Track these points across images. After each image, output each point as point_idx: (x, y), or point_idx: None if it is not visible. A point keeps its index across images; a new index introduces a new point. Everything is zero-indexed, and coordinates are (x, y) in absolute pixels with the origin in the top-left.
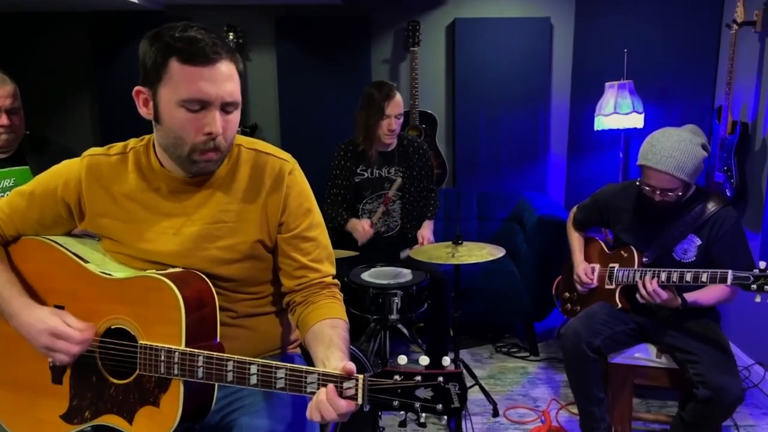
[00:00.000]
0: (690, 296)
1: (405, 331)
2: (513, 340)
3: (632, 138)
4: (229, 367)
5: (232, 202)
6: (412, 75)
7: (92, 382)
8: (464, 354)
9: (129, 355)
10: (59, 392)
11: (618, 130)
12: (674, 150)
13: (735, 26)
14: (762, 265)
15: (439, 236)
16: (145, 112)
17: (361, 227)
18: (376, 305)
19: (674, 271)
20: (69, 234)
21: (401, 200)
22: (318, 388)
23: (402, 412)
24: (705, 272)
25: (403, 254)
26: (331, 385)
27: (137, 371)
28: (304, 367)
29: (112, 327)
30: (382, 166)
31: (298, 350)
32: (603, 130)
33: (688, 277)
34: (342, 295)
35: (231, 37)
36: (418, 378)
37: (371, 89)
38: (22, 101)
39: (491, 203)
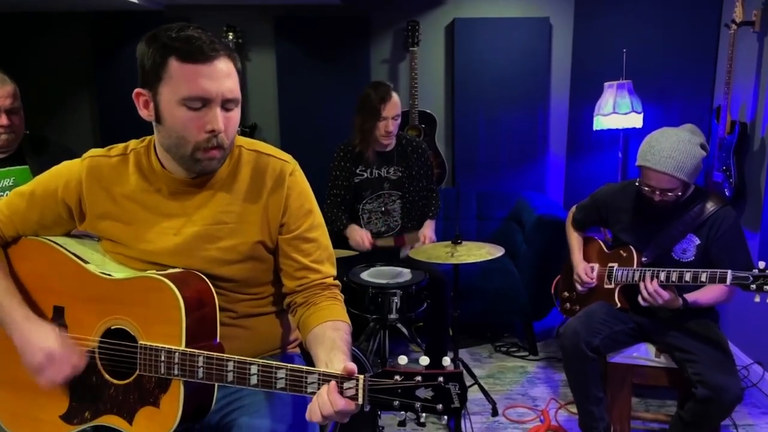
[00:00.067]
0: (690, 296)
1: (404, 330)
2: (512, 340)
3: (631, 138)
4: (230, 368)
5: (233, 203)
6: (411, 75)
7: (92, 382)
8: (463, 353)
9: (129, 355)
10: (59, 393)
11: (617, 129)
12: (673, 150)
13: (734, 26)
14: (761, 264)
15: (438, 236)
16: (145, 114)
17: (359, 237)
18: (376, 305)
19: (673, 271)
20: (68, 234)
21: (401, 200)
22: (318, 388)
23: (402, 412)
24: (704, 272)
25: (403, 253)
26: (333, 382)
27: (137, 371)
28: (304, 367)
29: (112, 327)
30: (381, 166)
31: (298, 350)
32: (602, 130)
33: (688, 276)
34: (342, 295)
35: (231, 37)
36: (419, 378)
37: (368, 90)
38: (22, 101)
39: (490, 203)
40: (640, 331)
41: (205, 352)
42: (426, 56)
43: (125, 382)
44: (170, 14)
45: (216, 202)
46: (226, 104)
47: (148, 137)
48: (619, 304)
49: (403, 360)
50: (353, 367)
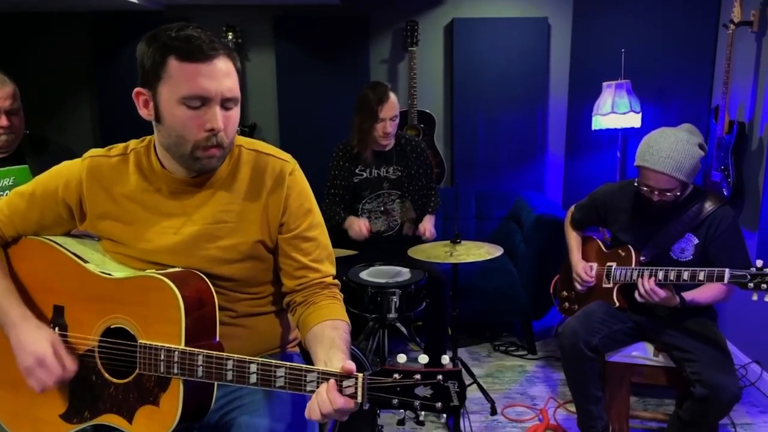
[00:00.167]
0: (687, 295)
1: (403, 329)
2: (511, 339)
3: (630, 137)
4: (229, 366)
5: (233, 203)
6: (410, 75)
7: (92, 381)
8: (462, 352)
9: (129, 354)
10: (59, 392)
11: (615, 129)
12: (672, 150)
13: (732, 26)
14: (759, 263)
15: (437, 235)
16: (145, 113)
17: (358, 226)
18: (375, 304)
19: (671, 270)
20: (68, 234)
21: (401, 199)
22: (317, 387)
23: (401, 411)
24: (702, 271)
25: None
26: (332, 381)
27: (137, 370)
28: (303, 366)
29: (112, 326)
30: (380, 166)
31: (297, 349)
32: (600, 130)
33: (686, 275)
34: (342, 294)
35: (230, 37)
36: (418, 376)
37: (366, 91)
38: (22, 101)
39: (489, 202)
40: (638, 330)
41: (205, 351)
42: (425, 56)
43: (125, 381)
44: (170, 14)
45: (216, 202)
46: (225, 103)
47: (148, 137)
48: (617, 304)
49: (402, 358)
50: (352, 365)
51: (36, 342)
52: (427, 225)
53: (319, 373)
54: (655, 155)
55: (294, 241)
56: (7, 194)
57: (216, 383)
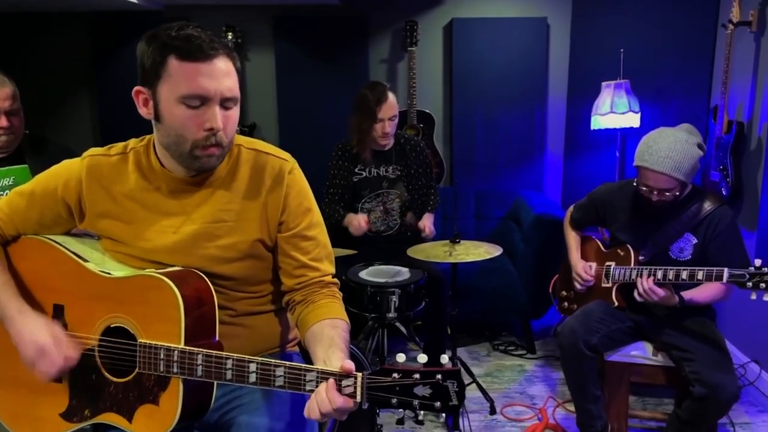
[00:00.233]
0: (686, 294)
1: (403, 329)
2: (510, 338)
3: (628, 137)
4: (228, 366)
5: (233, 202)
6: (409, 75)
7: (92, 380)
8: (461, 352)
9: (128, 353)
10: (59, 391)
11: (614, 129)
12: (671, 150)
13: (731, 26)
14: (757, 262)
15: (436, 235)
16: (145, 112)
17: (357, 221)
18: (374, 303)
19: (670, 269)
20: (68, 233)
21: (400, 198)
22: (317, 386)
23: (400, 410)
24: (701, 270)
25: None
26: (331, 380)
27: (137, 369)
28: (303, 365)
29: (112, 326)
30: (380, 165)
31: (297, 348)
32: (599, 130)
33: (684, 275)
34: (341, 293)
35: (230, 37)
36: (417, 376)
37: (364, 91)
38: (21, 101)
39: (488, 202)
40: (637, 329)
41: (204, 350)
42: (424, 56)
43: (125, 380)
44: (170, 14)
45: (215, 201)
46: (224, 103)
47: (148, 136)
48: (616, 303)
49: (401, 358)
50: (351, 364)
51: (35, 332)
52: (427, 222)
53: (318, 372)
54: (654, 155)
55: (293, 239)
56: (7, 194)
57: (215, 382)
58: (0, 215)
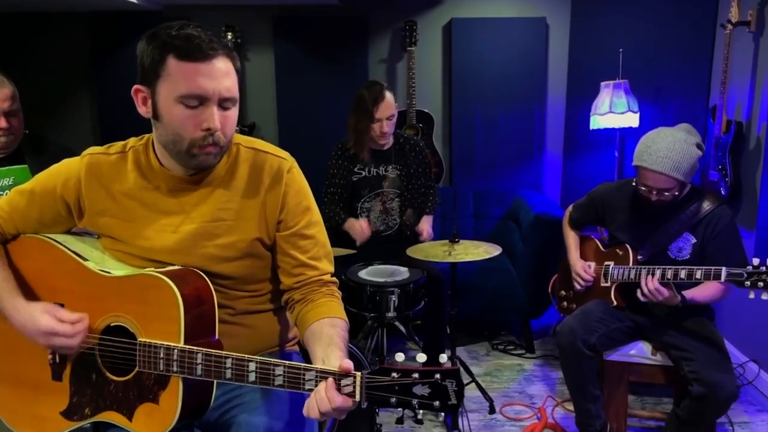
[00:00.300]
0: (687, 293)
1: (402, 328)
2: (509, 338)
3: (627, 137)
4: (228, 365)
5: (231, 200)
6: (409, 74)
7: (92, 379)
8: (461, 351)
9: (128, 352)
10: (59, 389)
11: (613, 129)
12: (669, 150)
13: (729, 26)
14: (755, 261)
15: (436, 234)
16: (144, 110)
17: (359, 227)
18: (374, 303)
19: (669, 269)
20: (68, 232)
21: (400, 198)
22: (316, 385)
23: (399, 409)
24: (699, 269)
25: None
26: (330, 379)
27: (136, 368)
28: (302, 364)
29: (112, 324)
30: (379, 165)
31: (296, 348)
32: (598, 129)
33: (683, 274)
34: (340, 292)
35: (229, 37)
36: (416, 375)
37: (362, 91)
38: (21, 101)
39: (488, 202)
40: (636, 329)
41: (204, 349)
42: (424, 56)
43: (125, 378)
44: (169, 14)
45: (214, 200)
46: (223, 103)
47: (147, 135)
48: (615, 303)
49: (400, 357)
50: (349, 364)
51: (35, 320)
52: (425, 226)
53: (317, 371)
54: (653, 155)
55: (292, 238)
56: (7, 194)
57: (215, 381)
58: (0, 213)
